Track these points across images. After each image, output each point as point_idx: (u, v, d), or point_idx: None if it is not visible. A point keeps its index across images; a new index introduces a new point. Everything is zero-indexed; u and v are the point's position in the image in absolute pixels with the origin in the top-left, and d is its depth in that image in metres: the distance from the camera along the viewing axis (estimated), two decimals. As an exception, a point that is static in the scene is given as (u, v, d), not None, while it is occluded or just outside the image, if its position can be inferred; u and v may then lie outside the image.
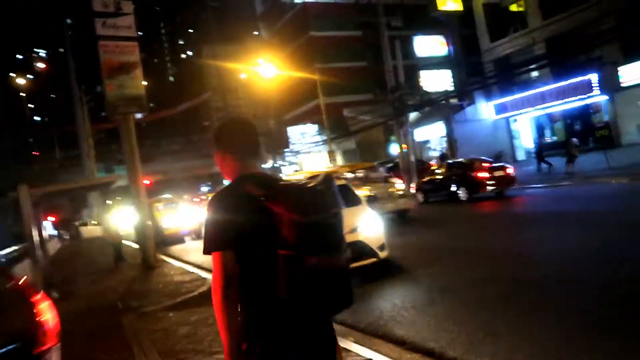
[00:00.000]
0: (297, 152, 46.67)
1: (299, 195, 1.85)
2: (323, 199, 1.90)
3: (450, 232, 11.01)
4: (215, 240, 1.80)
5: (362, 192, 11.62)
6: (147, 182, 40.05)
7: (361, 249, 6.81)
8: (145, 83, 26.09)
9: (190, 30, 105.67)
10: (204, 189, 60.27)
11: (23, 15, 72.56)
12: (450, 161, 19.29)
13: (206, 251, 1.82)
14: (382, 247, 7.26)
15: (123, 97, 11.37)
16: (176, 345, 5.16)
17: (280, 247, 1.75)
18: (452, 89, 28.57)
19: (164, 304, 7.35)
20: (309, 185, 1.91)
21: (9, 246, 13.44)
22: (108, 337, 6.02)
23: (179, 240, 18.51)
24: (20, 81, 55.37)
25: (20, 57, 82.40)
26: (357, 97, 39.09)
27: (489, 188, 15.62)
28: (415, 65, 29.33)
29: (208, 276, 9.53)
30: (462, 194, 16.25)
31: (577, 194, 14.31)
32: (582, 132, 25.75)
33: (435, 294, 6.03)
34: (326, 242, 1.83)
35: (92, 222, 39.85)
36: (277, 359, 1.76)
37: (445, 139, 28.97)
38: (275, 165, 50.20)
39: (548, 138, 28.72)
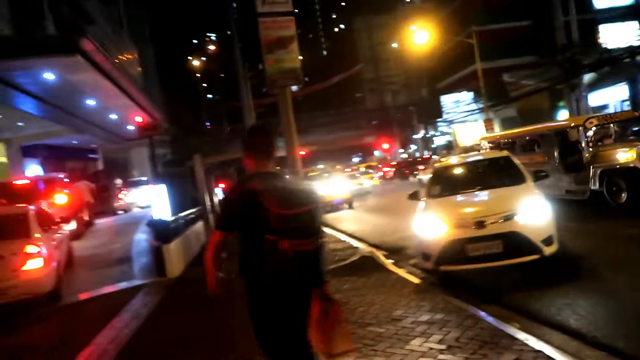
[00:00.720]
0: (451, 122, 44.70)
1: (282, 193, 2.48)
2: (299, 197, 2.51)
3: None
4: (218, 222, 2.70)
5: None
6: (302, 152, 42.22)
7: (517, 243, 5.49)
8: (300, 57, 27.11)
9: (343, 3, 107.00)
10: (355, 159, 61.60)
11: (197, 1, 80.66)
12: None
13: (214, 227, 2.71)
14: (548, 241, 5.58)
15: (281, 70, 11.81)
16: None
17: (268, 233, 2.41)
18: (639, 43, 24.30)
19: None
20: (291, 185, 2.61)
21: (190, 209, 15.22)
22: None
23: (333, 208, 19.13)
24: (196, 63, 61.86)
25: (195, 41, 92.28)
26: (519, 60, 35.72)
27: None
28: (592, 20, 25.54)
29: (360, 245, 9.63)
30: None
31: None
32: None
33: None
34: (299, 230, 2.43)
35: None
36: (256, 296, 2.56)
37: (628, 102, 24.97)
38: (427, 135, 48.88)
39: None
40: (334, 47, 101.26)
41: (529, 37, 34.06)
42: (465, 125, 43.83)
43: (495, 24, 36.77)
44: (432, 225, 5.98)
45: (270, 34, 12.06)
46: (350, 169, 32.76)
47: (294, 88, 12.59)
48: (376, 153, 57.33)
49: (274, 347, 2.53)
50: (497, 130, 39.95)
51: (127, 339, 5.20)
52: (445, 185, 7.32)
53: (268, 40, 12.06)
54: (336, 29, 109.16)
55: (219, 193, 36.18)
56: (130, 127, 26.17)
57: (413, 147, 51.96)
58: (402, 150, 52.02)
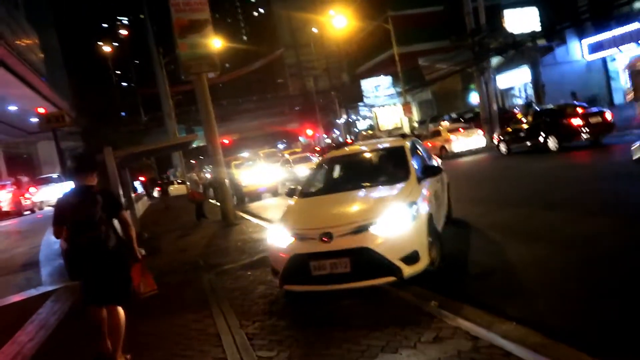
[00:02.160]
0: (372, 106, 45.66)
1: (66, 198, 4.11)
2: (78, 204, 4.03)
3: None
4: (53, 219, 4.08)
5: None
6: (225, 141, 41.18)
7: (367, 261, 4.47)
8: (219, 43, 26.29)
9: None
10: (280, 146, 61.26)
11: (104, -16, 75.57)
12: (538, 108, 17.77)
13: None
14: (411, 258, 4.55)
15: (195, 56, 11.41)
16: (252, 306, 5.13)
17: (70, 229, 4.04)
18: (539, 29, 26.04)
19: (242, 261, 7.41)
20: (79, 197, 4.07)
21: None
22: (189, 294, 6.15)
23: (258, 197, 18.90)
24: (107, 49, 58.20)
25: (105, 25, 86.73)
26: (433, 44, 37.11)
27: (584, 136, 14.24)
28: (497, 6, 26.99)
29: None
30: (551, 143, 14.96)
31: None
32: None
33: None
34: (73, 226, 4.01)
35: (178, 180, 42.07)
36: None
37: (532, 84, 26.77)
38: (350, 119, 49.58)
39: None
40: (253, 32, 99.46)
41: (442, 22, 35.40)
42: (385, 108, 44.97)
43: (410, 9, 37.79)
44: (281, 234, 5.07)
45: (183, 17, 11.56)
46: (288, 154, 32.07)
47: (211, 74, 12.13)
48: (301, 139, 57.37)
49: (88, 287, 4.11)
50: (415, 113, 41.51)
51: (32, 354, 4.76)
52: (325, 181, 6.64)
53: (181, 24, 11.55)
54: (255, 14, 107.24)
55: (138, 187, 34.56)
56: (34, 119, 24.19)
57: (337, 132, 52.56)
58: (326, 136, 52.47)
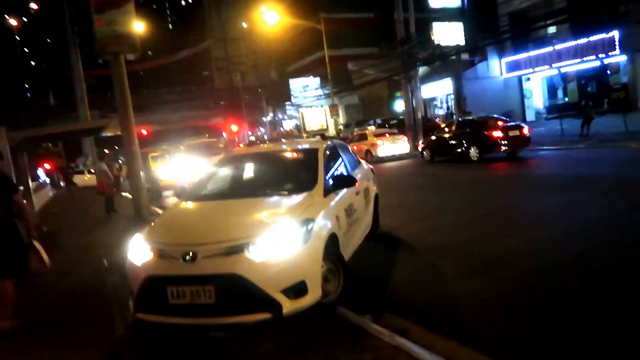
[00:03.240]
0: (299, 106, 45.43)
1: None
2: None
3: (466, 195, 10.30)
4: None
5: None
6: (144, 131, 38.93)
7: (236, 292, 3.63)
8: (142, 26, 24.58)
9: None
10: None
11: (15, -48, 68.90)
12: (461, 119, 18.36)
13: None
14: (296, 290, 3.72)
15: (114, 34, 10.35)
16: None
17: None
18: (463, 43, 27.17)
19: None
20: None
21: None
22: (88, 300, 5.36)
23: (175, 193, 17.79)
24: (14, 22, 53.07)
25: (13, -3, 79.30)
26: (363, 50, 37.57)
27: (503, 148, 14.81)
28: (426, 18, 27.82)
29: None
30: (473, 153, 15.44)
31: (596, 158, 13.53)
32: (597, 94, 24.70)
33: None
34: None
35: (89, 170, 39.15)
36: None
37: (453, 96, 27.85)
38: (276, 118, 49.04)
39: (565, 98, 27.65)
40: (181, 21, 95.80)
41: (372, 29, 35.93)
42: (312, 109, 44.95)
43: (342, 12, 37.99)
44: (140, 247, 4.13)
45: (101, -11, 10.45)
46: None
47: (130, 56, 11.10)
48: (224, 135, 55.89)
49: None
50: (342, 116, 41.84)
51: None
52: (218, 183, 5.71)
53: (98, -3, 10.44)
54: (183, 2, 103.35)
55: (41, 175, 31.66)
56: None
57: (262, 129, 51.77)
58: (250, 133, 51.48)
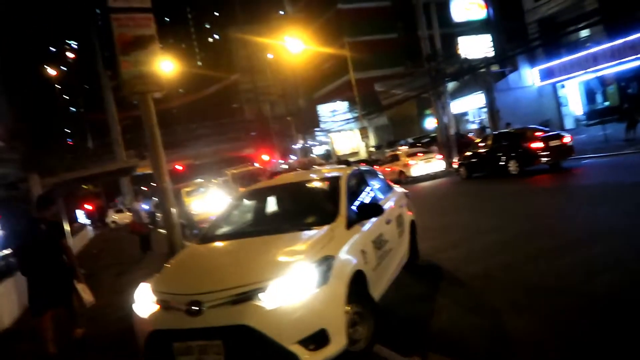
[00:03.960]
0: (328, 131, 45.38)
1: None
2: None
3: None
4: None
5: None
6: (179, 167, 39.60)
7: (247, 347, 3.25)
8: (171, 66, 25.09)
9: (216, 14, 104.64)
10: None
11: (54, 4, 73.04)
12: (497, 132, 17.71)
13: None
14: (315, 340, 3.29)
15: (139, 74, 10.42)
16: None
17: None
18: (492, 55, 26.59)
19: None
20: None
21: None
22: (119, 352, 5.11)
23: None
24: (53, 72, 55.74)
25: (53, 49, 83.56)
26: (388, 70, 37.41)
27: (544, 160, 14.09)
28: (452, 34, 27.47)
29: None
30: (512, 167, 14.75)
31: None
32: (638, 96, 23.54)
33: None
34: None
35: (128, 209, 39.95)
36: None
37: (485, 109, 27.14)
38: (307, 144, 49.12)
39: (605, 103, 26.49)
40: (209, 57, 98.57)
41: (397, 49, 35.82)
42: (342, 134, 44.80)
43: (365, 35, 38.11)
44: (145, 298, 3.81)
45: (126, 32, 10.57)
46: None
47: (157, 95, 11.17)
48: (257, 165, 56.37)
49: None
50: (372, 138, 41.48)
51: None
52: (236, 220, 5.38)
53: (123, 40, 10.56)
54: (210, 39, 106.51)
55: (82, 217, 32.43)
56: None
57: (293, 157, 51.93)
58: (282, 161, 51.73)
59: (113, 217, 33.35)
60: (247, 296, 3.30)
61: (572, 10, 23.10)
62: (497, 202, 11.40)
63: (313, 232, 4.04)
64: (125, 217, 31.07)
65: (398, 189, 6.66)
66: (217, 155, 53.02)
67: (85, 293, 5.40)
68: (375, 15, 38.22)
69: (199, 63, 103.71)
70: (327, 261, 3.54)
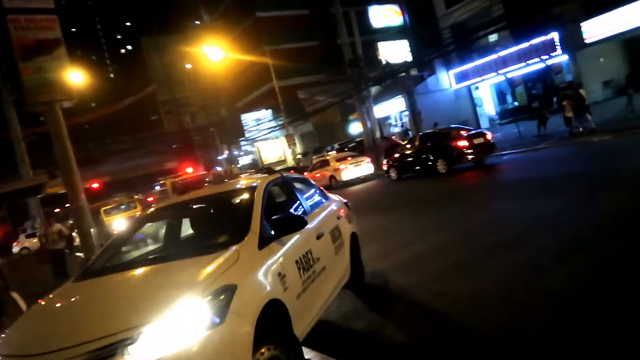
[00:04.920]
0: (254, 140, 44.68)
1: None
2: None
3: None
4: None
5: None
6: (95, 185, 37.00)
7: None
8: (80, 77, 23.32)
9: (128, 24, 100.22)
10: (157, 188, 57.37)
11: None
12: (422, 133, 18.12)
13: None
14: None
15: (45, 82, 9.38)
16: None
17: None
18: (410, 59, 27.43)
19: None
20: None
21: None
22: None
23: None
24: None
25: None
26: (311, 78, 37.52)
27: (469, 157, 14.54)
28: (372, 40, 28.01)
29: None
30: (440, 166, 15.10)
31: (562, 156, 13.46)
32: (545, 95, 25.28)
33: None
34: None
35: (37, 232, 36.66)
36: None
37: (407, 112, 27.91)
38: (232, 154, 48.03)
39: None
40: (122, 69, 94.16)
41: (317, 57, 36.00)
42: (268, 142, 44.31)
43: (285, 43, 37.99)
44: None
45: (26, 35, 9.47)
46: (152, 197, 29.53)
47: (66, 104, 10.13)
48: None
49: None
50: (298, 146, 41.37)
51: None
52: (126, 248, 4.54)
53: (23, 44, 9.42)
54: (123, 50, 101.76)
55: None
56: None
57: (218, 168, 50.56)
58: (205, 173, 50.17)
59: (25, 243, 30.77)
60: (109, 351, 2.46)
61: (482, 16, 24.38)
62: (430, 201, 11.50)
63: (213, 257, 3.16)
64: (37, 243, 28.56)
65: (336, 197, 5.92)
66: (139, 170, 50.50)
67: None
68: (295, 23, 38.27)
69: (112, 75, 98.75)
70: (224, 293, 2.75)
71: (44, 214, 27.46)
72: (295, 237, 3.86)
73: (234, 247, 3.30)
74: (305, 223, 3.85)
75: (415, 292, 5.01)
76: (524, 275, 4.78)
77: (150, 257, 4.07)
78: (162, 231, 4.90)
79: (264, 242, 3.49)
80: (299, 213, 4.40)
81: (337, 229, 4.93)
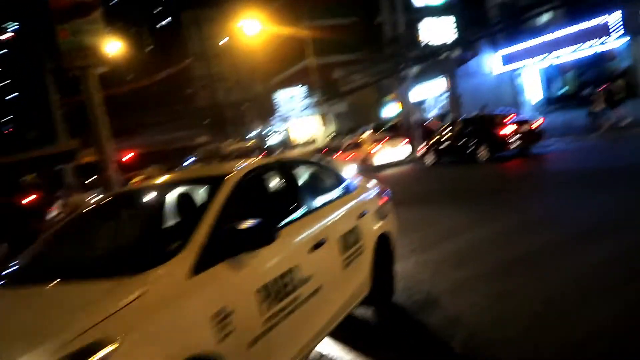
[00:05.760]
0: (287, 118, 44.30)
1: None
2: None
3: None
4: None
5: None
6: (128, 156, 37.53)
7: None
8: (119, 45, 23.32)
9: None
10: (190, 160, 57.98)
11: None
12: (465, 117, 17.26)
13: None
14: None
15: (81, 45, 9.13)
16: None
17: None
18: (454, 39, 26.25)
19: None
20: None
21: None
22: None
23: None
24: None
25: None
26: (348, 56, 36.67)
27: (514, 145, 13.71)
28: (414, 19, 26.91)
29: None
30: (482, 153, 14.32)
31: (614, 147, 12.53)
32: (596, 82, 23.84)
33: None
34: None
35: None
36: None
37: (445, 96, 26.88)
38: (264, 132, 47.92)
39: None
40: (160, 42, 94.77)
41: (356, 35, 35.07)
42: (301, 120, 43.86)
43: (324, 19, 37.17)
44: None
45: (62, -3, 9.25)
46: None
47: (100, 70, 9.87)
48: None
49: None
50: (332, 125, 40.77)
51: None
52: (55, 247, 3.24)
53: (60, 5, 9.20)
54: (163, 23, 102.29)
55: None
56: None
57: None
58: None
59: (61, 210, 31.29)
60: None
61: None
62: (472, 191, 10.82)
63: (109, 286, 2.22)
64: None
65: (369, 184, 4.77)
66: (172, 144, 51.05)
67: None
68: (334, -2, 37.35)
69: (151, 47, 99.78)
70: (87, 356, 1.80)
71: (77, 183, 28.00)
72: (266, 253, 2.73)
73: (150, 272, 2.28)
74: (269, 238, 2.66)
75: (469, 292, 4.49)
76: (597, 276, 4.20)
77: (60, 267, 2.81)
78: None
79: (205, 263, 2.42)
80: (298, 213, 3.35)
81: (353, 232, 3.79)
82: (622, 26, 20.42)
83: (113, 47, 17.11)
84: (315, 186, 4.10)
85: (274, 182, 3.63)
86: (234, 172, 3.17)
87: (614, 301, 3.65)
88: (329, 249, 3.40)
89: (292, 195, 3.58)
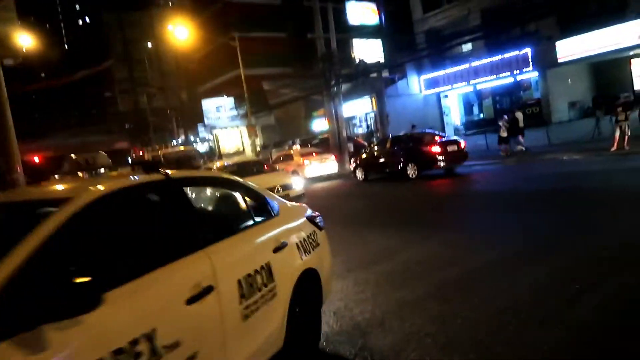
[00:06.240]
0: (213, 127, 43.19)
1: None
2: None
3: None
4: None
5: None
6: (36, 158, 34.51)
7: None
8: (29, 40, 21.45)
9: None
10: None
11: None
12: (391, 135, 17.63)
13: None
14: None
15: (-16, 33, 8.13)
16: None
17: None
18: (383, 60, 27.02)
19: None
20: None
21: None
22: None
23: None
24: None
25: None
26: (277, 69, 36.59)
27: (441, 164, 14.14)
28: (345, 38, 27.43)
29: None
30: (410, 171, 14.62)
31: (533, 171, 13.27)
32: (511, 110, 25.50)
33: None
34: None
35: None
36: None
37: (373, 114, 27.52)
38: (189, 140, 46.42)
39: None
40: (78, 41, 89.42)
41: (286, 49, 35.06)
42: (227, 131, 42.97)
43: (254, 32, 36.84)
44: None
45: (-34, -22, 8.23)
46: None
47: (8, 62, 8.87)
48: (129, 160, 52.05)
49: None
50: (259, 137, 40.30)
51: None
52: None
53: (-38, -13, 8.20)
54: (81, 22, 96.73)
55: None
56: None
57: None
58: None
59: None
60: None
61: (458, 24, 24.29)
62: (404, 208, 10.92)
63: None
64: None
65: (293, 208, 3.95)
66: (86, 148, 47.89)
67: None
68: (265, 12, 37.13)
69: (67, 47, 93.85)
70: None
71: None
72: (103, 317, 1.90)
73: None
74: (92, 302, 1.83)
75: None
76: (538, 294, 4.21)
77: None
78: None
79: None
80: (177, 252, 2.48)
81: (262, 271, 2.98)
82: (530, 62, 22.07)
83: (25, 40, 15.66)
84: (216, 213, 3.33)
85: (150, 210, 2.75)
86: (80, 195, 2.22)
87: (554, 327, 3.63)
88: (219, 298, 2.54)
89: (174, 228, 2.67)
